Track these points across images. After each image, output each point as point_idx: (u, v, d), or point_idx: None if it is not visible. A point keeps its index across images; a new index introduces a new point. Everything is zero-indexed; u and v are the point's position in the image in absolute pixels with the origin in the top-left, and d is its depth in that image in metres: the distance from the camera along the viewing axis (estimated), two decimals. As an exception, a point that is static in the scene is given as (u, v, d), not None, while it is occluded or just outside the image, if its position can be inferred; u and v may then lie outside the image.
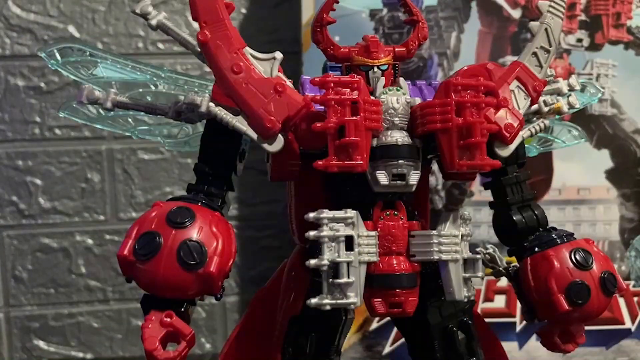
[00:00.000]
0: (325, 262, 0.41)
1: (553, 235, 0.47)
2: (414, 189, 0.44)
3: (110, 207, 1.04)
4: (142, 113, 0.49)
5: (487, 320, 0.53)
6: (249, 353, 0.49)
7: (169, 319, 0.41)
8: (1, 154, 1.02)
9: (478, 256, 0.44)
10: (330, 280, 0.41)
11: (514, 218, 0.47)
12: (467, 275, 0.43)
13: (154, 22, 0.46)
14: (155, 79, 0.51)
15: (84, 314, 1.05)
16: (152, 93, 0.50)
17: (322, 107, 0.42)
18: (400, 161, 0.43)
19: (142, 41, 1.03)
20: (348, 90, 0.42)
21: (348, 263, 0.41)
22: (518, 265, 0.48)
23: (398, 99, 0.44)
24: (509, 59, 0.96)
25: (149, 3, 0.46)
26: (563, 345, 0.46)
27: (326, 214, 0.41)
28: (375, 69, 0.45)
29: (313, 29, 0.47)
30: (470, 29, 0.96)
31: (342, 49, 0.46)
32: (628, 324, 0.96)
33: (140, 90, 0.50)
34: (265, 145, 0.43)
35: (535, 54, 0.47)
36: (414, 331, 0.48)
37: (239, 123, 0.43)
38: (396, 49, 0.46)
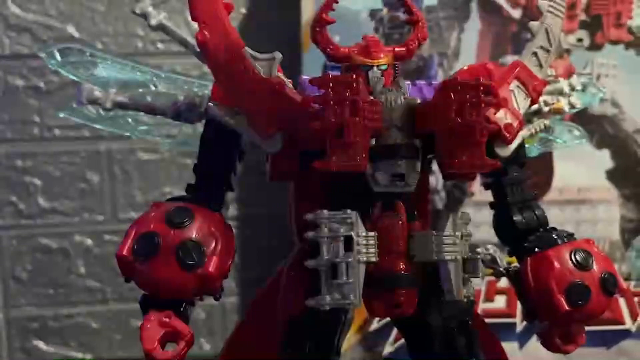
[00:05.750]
0: (324, 262, 0.41)
1: (553, 235, 0.47)
2: (413, 189, 0.44)
3: (110, 208, 1.04)
4: (142, 113, 0.48)
5: (487, 320, 0.53)
6: (249, 353, 0.49)
7: (167, 319, 0.41)
8: (0, 154, 1.02)
9: (478, 256, 0.44)
10: (329, 280, 0.41)
11: (514, 218, 0.47)
12: (466, 275, 0.43)
13: (153, 22, 0.46)
14: (155, 79, 0.50)
15: (84, 315, 1.05)
16: (152, 93, 0.50)
17: (321, 107, 0.42)
18: (399, 161, 0.43)
19: (142, 41, 1.03)
20: (347, 90, 0.41)
21: (347, 263, 0.41)
22: (518, 265, 0.48)
23: (397, 98, 0.44)
24: (509, 59, 0.96)
25: (149, 3, 0.45)
26: (563, 346, 0.46)
27: (325, 214, 0.41)
28: (375, 69, 0.45)
29: (312, 29, 0.47)
30: (470, 29, 0.96)
31: (341, 49, 0.46)
32: (628, 324, 0.96)
33: (140, 90, 0.50)
34: (264, 145, 0.43)
35: (535, 53, 0.47)
36: (413, 332, 0.48)
37: (238, 123, 0.43)
38: (396, 49, 0.46)
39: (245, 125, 0.43)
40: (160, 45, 1.03)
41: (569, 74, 0.97)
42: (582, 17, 0.96)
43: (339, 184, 0.44)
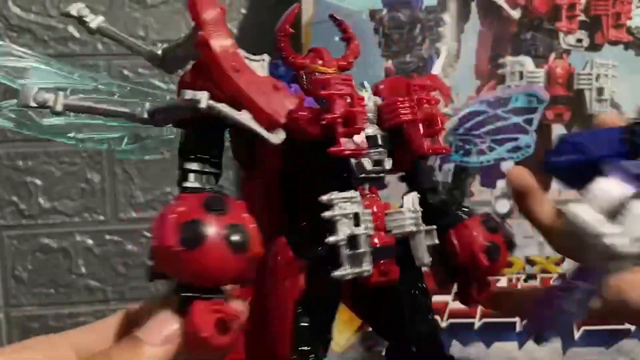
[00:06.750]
0: (343, 237, 0.44)
1: (466, 210, 0.54)
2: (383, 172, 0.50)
3: (110, 207, 1.05)
4: (96, 118, 0.47)
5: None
6: (256, 346, 0.50)
7: (217, 306, 0.41)
8: (1, 154, 1.02)
9: (434, 227, 0.50)
10: (351, 252, 0.44)
11: (431, 201, 0.53)
12: (429, 243, 0.50)
13: (93, 25, 0.45)
14: (94, 84, 0.49)
15: (84, 314, 1.05)
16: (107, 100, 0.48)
17: (312, 102, 0.46)
18: (379, 149, 0.49)
19: (142, 42, 1.03)
20: (345, 86, 0.46)
21: (361, 235, 0.45)
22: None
23: (369, 97, 0.50)
24: (509, 59, 0.97)
25: (84, 6, 0.45)
26: (477, 296, 0.53)
27: (336, 195, 0.45)
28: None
29: (278, 38, 0.50)
30: (470, 29, 0.97)
31: (299, 58, 0.50)
32: (627, 324, 0.96)
33: (95, 95, 0.48)
34: (271, 138, 0.45)
35: (444, 69, 0.56)
36: (382, 306, 0.52)
37: (243, 117, 0.44)
38: (339, 62, 0.51)
39: (250, 119, 0.44)
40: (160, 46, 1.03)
41: (568, 74, 0.97)
42: (582, 17, 0.97)
43: (322, 176, 0.47)
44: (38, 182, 1.03)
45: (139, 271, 1.06)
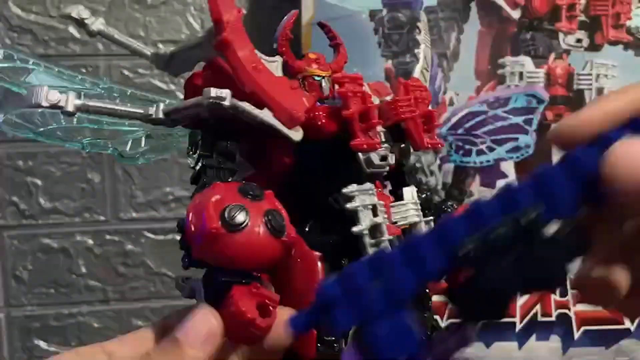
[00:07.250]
0: (366, 226, 0.46)
1: (451, 204, 0.57)
2: (388, 167, 0.52)
3: (111, 208, 1.05)
4: (104, 122, 0.47)
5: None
6: None
7: (256, 290, 0.41)
8: (1, 154, 1.02)
9: (431, 217, 0.53)
10: (373, 240, 0.47)
11: (422, 195, 0.56)
12: None
13: (94, 27, 0.45)
14: (96, 88, 0.49)
15: (85, 314, 1.06)
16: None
17: (343, 98, 0.47)
18: (384, 145, 0.50)
19: (142, 42, 1.03)
20: (358, 84, 0.48)
21: (381, 224, 0.47)
22: None
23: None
24: (509, 59, 0.97)
25: (84, 7, 0.45)
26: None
27: (356, 187, 0.47)
28: (326, 79, 0.51)
29: (279, 43, 0.52)
30: (470, 29, 0.97)
31: (297, 62, 0.52)
32: (627, 324, 0.96)
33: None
34: (292, 135, 0.46)
35: (422, 72, 0.58)
36: None
37: (265, 114, 0.45)
38: (332, 66, 0.53)
39: (272, 117, 0.45)
40: (161, 46, 1.03)
41: (567, 75, 0.98)
42: (582, 17, 0.97)
43: (343, 168, 0.49)
44: (38, 182, 1.03)
45: (139, 271, 1.06)
